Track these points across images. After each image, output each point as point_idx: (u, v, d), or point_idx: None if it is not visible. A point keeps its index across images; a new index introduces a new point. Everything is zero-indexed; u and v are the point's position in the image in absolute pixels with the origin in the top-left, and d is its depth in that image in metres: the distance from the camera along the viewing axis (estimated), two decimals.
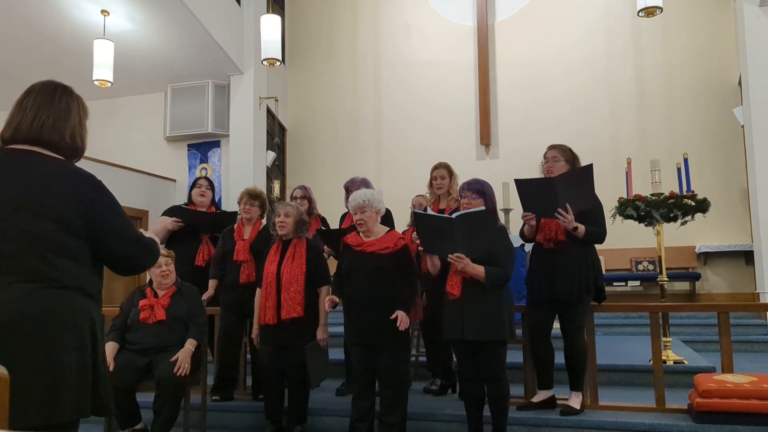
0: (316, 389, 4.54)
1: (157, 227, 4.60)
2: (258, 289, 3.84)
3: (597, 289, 3.63)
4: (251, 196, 4.37)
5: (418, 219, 3.38)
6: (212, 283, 4.33)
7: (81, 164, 1.89)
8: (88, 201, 1.78)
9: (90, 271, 1.81)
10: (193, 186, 4.86)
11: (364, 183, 4.46)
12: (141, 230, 2.08)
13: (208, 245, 4.61)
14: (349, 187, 4.59)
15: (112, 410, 1.88)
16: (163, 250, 3.86)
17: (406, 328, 3.57)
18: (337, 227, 4.73)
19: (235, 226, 4.39)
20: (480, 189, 3.51)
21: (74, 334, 1.73)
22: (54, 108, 1.83)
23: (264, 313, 3.65)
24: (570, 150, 3.71)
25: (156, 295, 3.71)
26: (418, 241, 3.54)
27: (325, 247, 4.52)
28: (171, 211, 4.67)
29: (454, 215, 3.23)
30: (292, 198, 4.88)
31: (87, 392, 1.74)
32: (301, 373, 3.63)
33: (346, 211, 4.75)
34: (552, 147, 3.75)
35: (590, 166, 3.51)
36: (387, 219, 4.12)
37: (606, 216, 3.72)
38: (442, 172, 4.35)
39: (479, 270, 3.18)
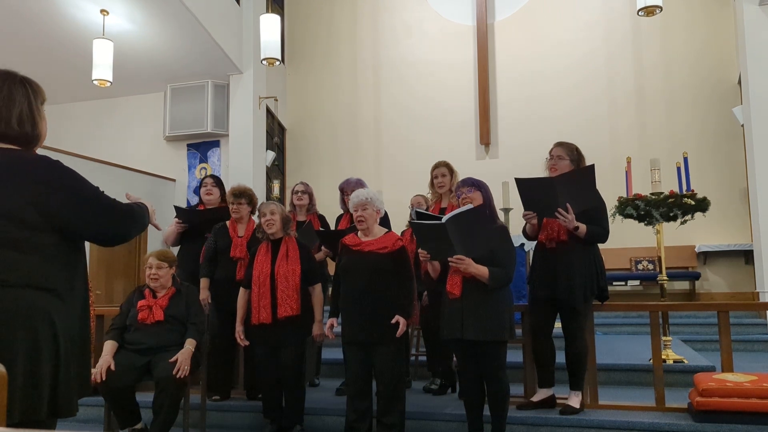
0: (316, 388, 4.57)
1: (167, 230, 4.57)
2: (243, 289, 3.81)
3: (600, 290, 3.61)
4: (236, 195, 4.24)
5: (414, 229, 3.34)
6: (205, 283, 4.15)
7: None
8: (45, 190, 1.68)
9: (52, 264, 1.70)
10: (200, 186, 4.77)
11: (359, 183, 4.44)
12: (128, 196, 1.97)
13: None
14: (344, 188, 4.58)
15: (74, 412, 1.75)
16: (162, 254, 3.83)
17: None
18: (334, 228, 4.71)
19: (229, 222, 4.27)
20: (475, 182, 3.48)
21: (27, 334, 1.62)
22: None
23: (258, 313, 3.61)
24: (576, 149, 3.68)
25: (155, 296, 3.69)
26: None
27: (323, 248, 4.50)
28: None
29: (443, 219, 3.16)
30: (294, 192, 4.87)
31: (35, 396, 1.62)
32: (297, 371, 3.62)
33: (342, 212, 4.75)
34: (558, 144, 3.71)
35: (592, 167, 3.48)
36: (384, 221, 4.11)
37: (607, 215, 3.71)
38: (443, 170, 4.32)
39: (483, 270, 3.16)
